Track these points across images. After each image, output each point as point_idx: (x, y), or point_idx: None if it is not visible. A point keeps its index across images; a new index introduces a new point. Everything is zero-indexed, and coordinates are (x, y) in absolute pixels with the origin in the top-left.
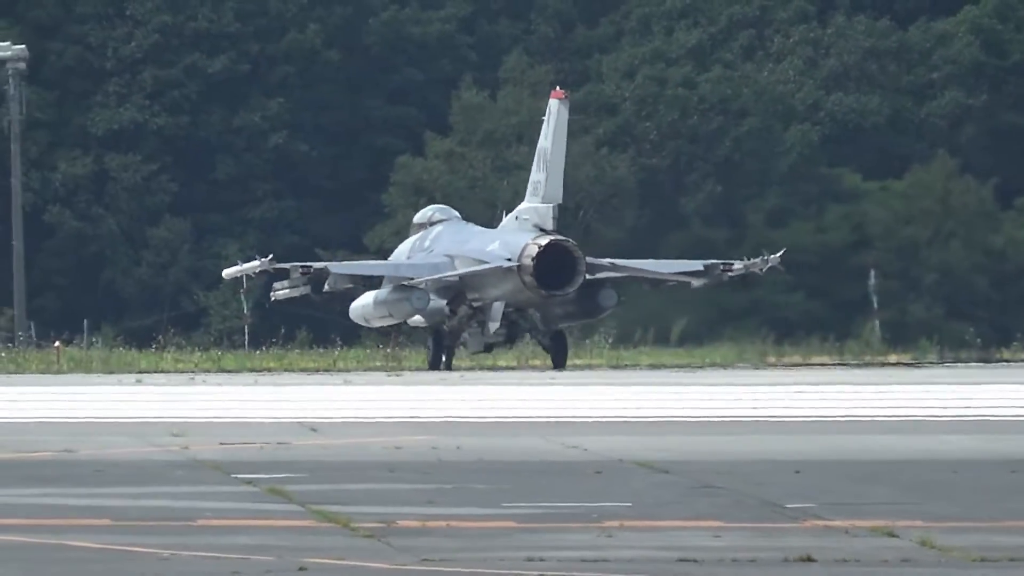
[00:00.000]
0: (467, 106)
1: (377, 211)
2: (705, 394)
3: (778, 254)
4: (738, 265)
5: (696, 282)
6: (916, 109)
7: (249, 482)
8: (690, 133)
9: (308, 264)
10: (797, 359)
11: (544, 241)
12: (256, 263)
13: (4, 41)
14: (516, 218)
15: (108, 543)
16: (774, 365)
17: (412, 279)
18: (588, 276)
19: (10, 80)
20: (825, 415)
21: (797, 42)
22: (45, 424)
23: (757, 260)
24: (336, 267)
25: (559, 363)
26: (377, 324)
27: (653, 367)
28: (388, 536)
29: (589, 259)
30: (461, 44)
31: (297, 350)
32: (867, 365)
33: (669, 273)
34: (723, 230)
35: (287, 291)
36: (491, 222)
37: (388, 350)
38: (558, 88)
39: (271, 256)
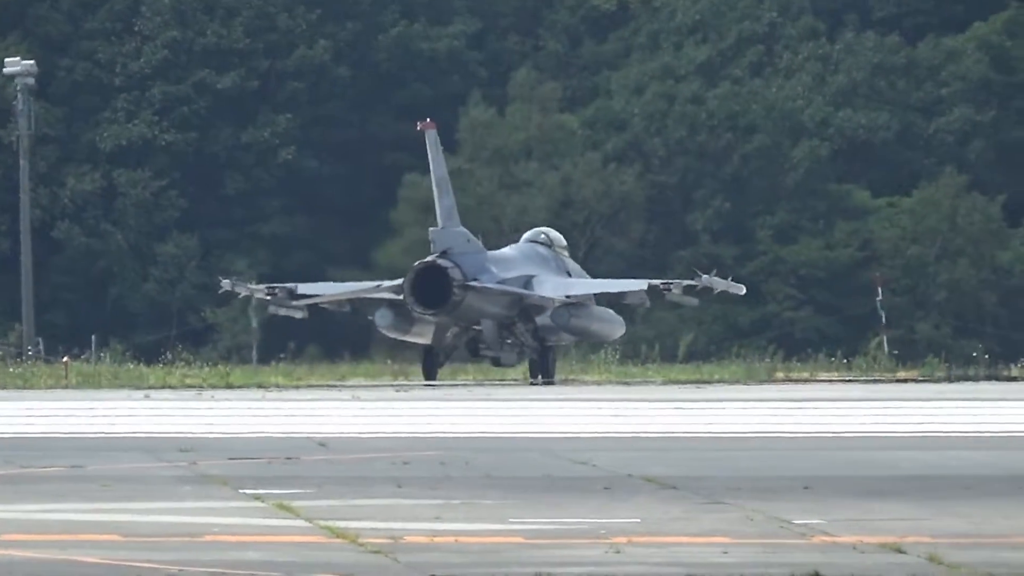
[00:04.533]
0: (475, 123)
1: (386, 228)
2: (714, 410)
3: (711, 275)
4: (677, 285)
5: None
6: (925, 125)
7: (257, 497)
8: (698, 149)
9: (273, 285)
10: (805, 375)
11: (417, 263)
12: (224, 283)
13: (13, 56)
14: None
15: (117, 559)
16: (782, 381)
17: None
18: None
19: (19, 95)
20: (834, 431)
21: (806, 58)
22: (54, 439)
23: (693, 281)
24: (304, 288)
25: (545, 375)
26: (408, 340)
27: (662, 383)
28: (396, 552)
29: (476, 282)
30: (470, 60)
31: (306, 365)
32: (875, 381)
33: (550, 297)
34: (731, 246)
35: (276, 309)
36: (499, 239)
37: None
38: (428, 120)
39: (231, 279)
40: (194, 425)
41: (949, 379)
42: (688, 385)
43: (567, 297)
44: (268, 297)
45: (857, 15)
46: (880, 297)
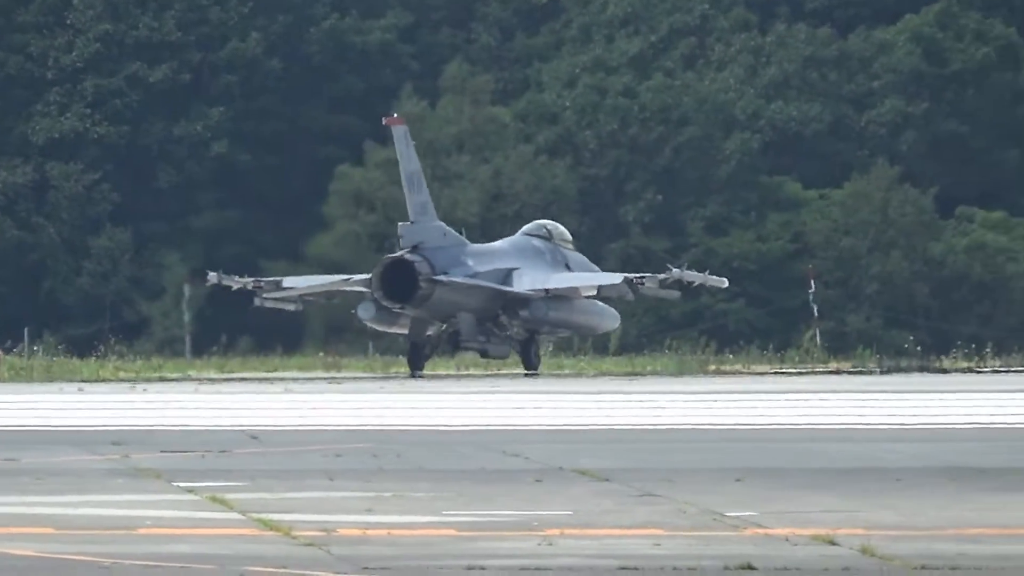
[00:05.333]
0: (407, 115)
1: (318, 221)
2: (646, 402)
3: (682, 268)
4: (650, 279)
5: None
6: (856, 117)
7: (190, 490)
8: (630, 142)
9: (259, 278)
10: (738, 367)
11: (386, 257)
12: (211, 276)
13: None
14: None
15: (50, 552)
16: (715, 373)
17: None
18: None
19: None
20: (766, 424)
21: (738, 50)
22: None
23: (664, 275)
24: (288, 281)
25: (527, 367)
26: (393, 332)
27: (594, 375)
28: (329, 544)
29: (445, 276)
30: (402, 53)
31: (238, 358)
32: (807, 373)
33: (519, 290)
34: (663, 239)
35: (262, 302)
36: None
37: (329, 358)
38: (395, 115)
39: (218, 272)
40: (127, 418)
41: (881, 371)
42: (620, 378)
43: (546, 290)
44: (254, 290)
45: (789, 7)
46: (812, 289)
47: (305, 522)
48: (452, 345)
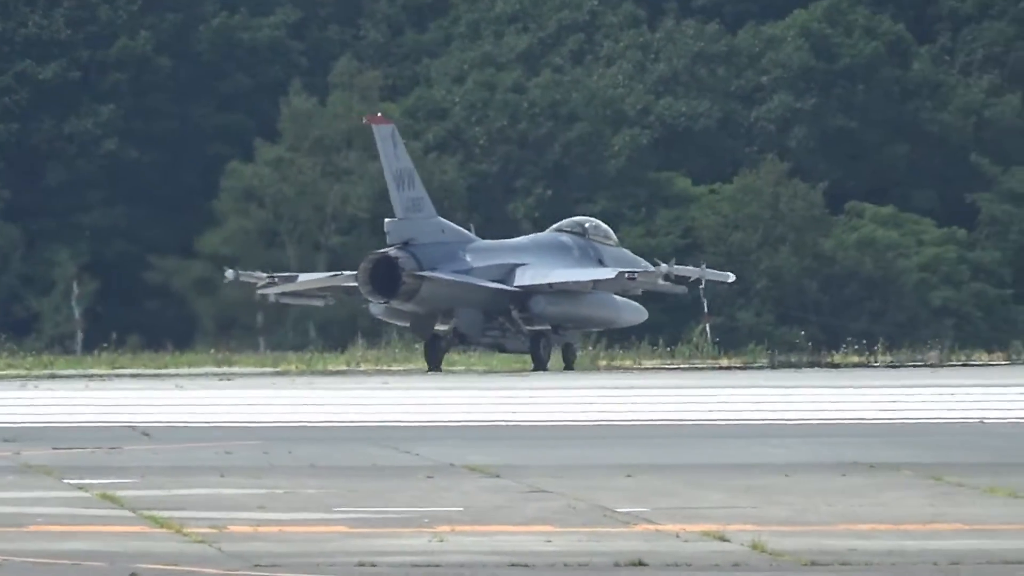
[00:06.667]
0: (296, 112)
1: (208, 218)
2: (536, 398)
3: (671, 263)
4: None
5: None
6: (746, 113)
7: (81, 487)
8: (520, 138)
9: (274, 274)
10: (628, 363)
11: (371, 253)
12: (229, 274)
13: None
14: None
15: None
16: (605, 369)
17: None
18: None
19: None
20: (656, 419)
21: (627, 46)
22: None
23: (655, 269)
24: (303, 277)
25: (536, 363)
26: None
27: (485, 372)
28: (220, 541)
29: (432, 272)
30: (292, 50)
31: (129, 354)
32: (698, 369)
33: (506, 286)
34: None
35: (277, 298)
36: (320, 227)
37: (219, 354)
38: (379, 114)
39: (235, 269)
40: (18, 415)
41: (772, 366)
42: (511, 374)
43: (549, 285)
44: (268, 285)
45: (677, 3)
46: (703, 284)
47: (196, 519)
48: (459, 340)
